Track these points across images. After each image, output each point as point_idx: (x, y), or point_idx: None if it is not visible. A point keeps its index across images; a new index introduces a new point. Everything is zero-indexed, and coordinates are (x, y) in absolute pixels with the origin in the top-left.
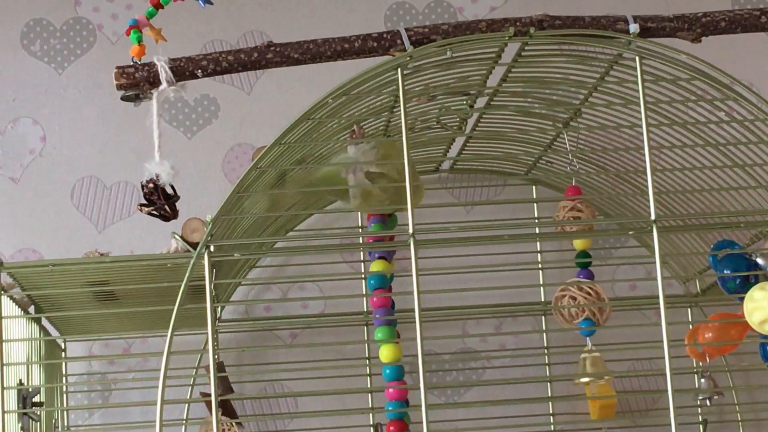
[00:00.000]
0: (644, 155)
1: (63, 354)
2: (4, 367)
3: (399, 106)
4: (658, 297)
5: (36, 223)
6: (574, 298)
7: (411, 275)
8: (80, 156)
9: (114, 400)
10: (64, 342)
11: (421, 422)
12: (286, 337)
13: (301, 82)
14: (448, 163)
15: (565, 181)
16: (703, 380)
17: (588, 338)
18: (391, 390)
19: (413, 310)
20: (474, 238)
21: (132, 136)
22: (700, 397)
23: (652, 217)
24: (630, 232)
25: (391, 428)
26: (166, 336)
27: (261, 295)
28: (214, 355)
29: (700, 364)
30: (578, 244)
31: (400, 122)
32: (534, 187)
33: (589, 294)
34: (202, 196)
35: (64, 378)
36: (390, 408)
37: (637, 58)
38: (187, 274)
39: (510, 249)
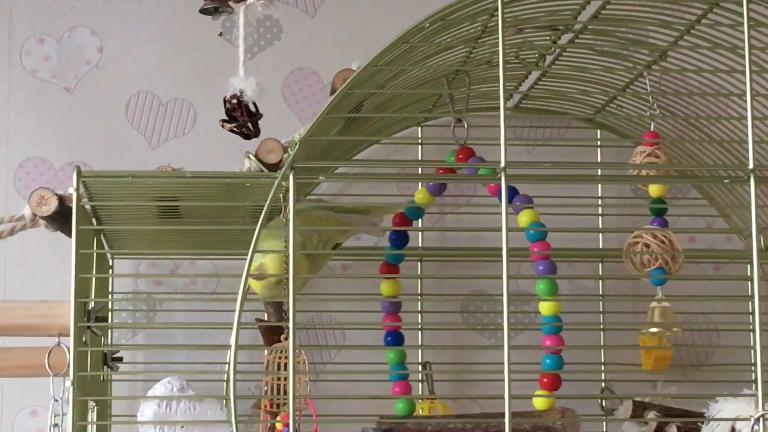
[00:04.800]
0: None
1: (111, 270)
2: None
3: (485, 36)
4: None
5: (88, 135)
6: (648, 246)
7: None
8: (137, 70)
9: (158, 321)
10: (112, 258)
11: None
12: (337, 268)
13: (365, 9)
14: (512, 103)
15: (634, 125)
16: None
17: (659, 288)
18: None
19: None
20: (566, 176)
21: (191, 53)
22: None
23: (750, 165)
24: (726, 180)
25: (545, 380)
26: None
27: None
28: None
29: None
30: (654, 190)
31: (482, 55)
32: (598, 131)
33: (663, 242)
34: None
35: (110, 295)
36: (548, 360)
37: (744, 1)
38: (271, 194)
39: (569, 192)
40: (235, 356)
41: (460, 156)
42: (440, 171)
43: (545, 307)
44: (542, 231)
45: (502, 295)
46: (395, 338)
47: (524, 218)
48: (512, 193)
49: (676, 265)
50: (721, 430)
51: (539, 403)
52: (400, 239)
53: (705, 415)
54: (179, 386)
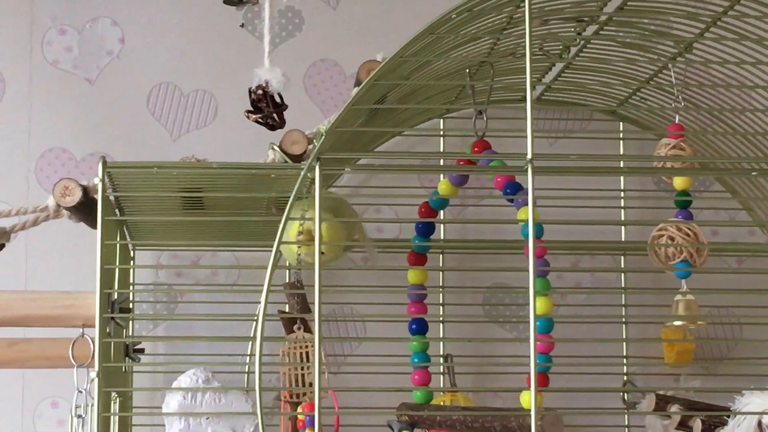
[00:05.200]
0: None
1: (132, 261)
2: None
3: (510, 27)
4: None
5: (109, 126)
6: (672, 238)
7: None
8: (158, 61)
9: (179, 312)
10: (134, 250)
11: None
12: (358, 260)
13: (387, 0)
14: (535, 94)
15: (656, 118)
16: None
17: (683, 281)
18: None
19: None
20: (591, 168)
21: (212, 44)
22: None
23: None
24: (753, 173)
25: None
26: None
27: None
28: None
29: None
30: (679, 183)
31: (506, 46)
32: (621, 123)
33: (687, 235)
34: None
35: (131, 287)
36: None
37: None
38: (296, 185)
39: (592, 185)
40: (261, 348)
41: (475, 149)
42: (461, 163)
43: (538, 306)
44: (539, 230)
45: (523, 287)
46: (420, 326)
47: (524, 216)
48: (516, 188)
49: (700, 258)
50: (748, 424)
51: (527, 401)
52: (426, 229)
53: (731, 408)
54: (204, 378)
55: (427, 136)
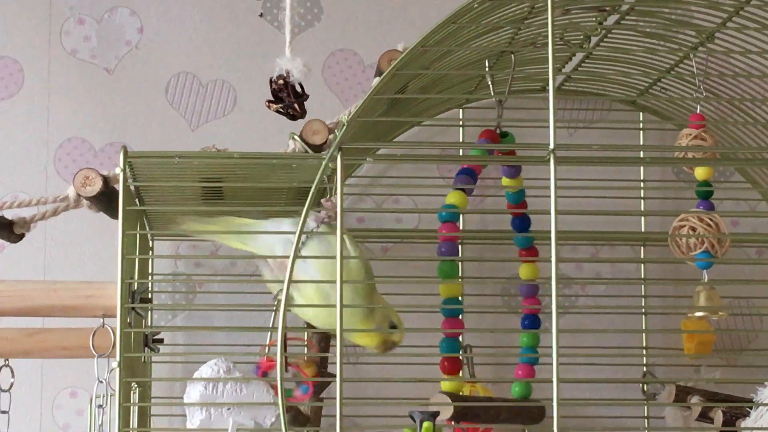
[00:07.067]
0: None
1: (150, 252)
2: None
3: (531, 17)
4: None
5: (128, 116)
6: (694, 229)
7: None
8: (177, 51)
9: (198, 302)
10: (152, 240)
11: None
12: (378, 250)
13: None
14: (555, 85)
15: (676, 108)
16: None
17: (704, 271)
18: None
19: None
20: (612, 158)
21: (231, 34)
22: None
23: None
24: None
25: (445, 364)
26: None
27: (355, 206)
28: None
29: None
30: (700, 173)
31: (526, 36)
32: (641, 114)
33: (709, 225)
34: None
35: (150, 277)
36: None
37: None
38: (318, 175)
39: (611, 175)
40: (281, 338)
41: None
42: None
43: (444, 290)
44: (453, 213)
45: (543, 278)
46: (533, 321)
47: (452, 200)
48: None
49: (722, 248)
50: None
51: (446, 385)
52: (521, 223)
53: (753, 400)
54: (226, 368)
55: (447, 126)
